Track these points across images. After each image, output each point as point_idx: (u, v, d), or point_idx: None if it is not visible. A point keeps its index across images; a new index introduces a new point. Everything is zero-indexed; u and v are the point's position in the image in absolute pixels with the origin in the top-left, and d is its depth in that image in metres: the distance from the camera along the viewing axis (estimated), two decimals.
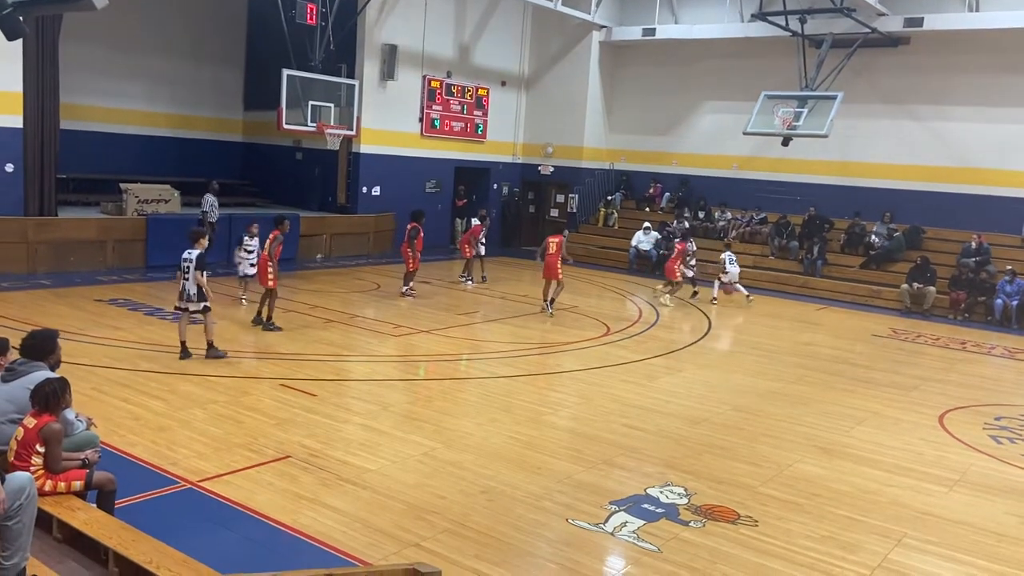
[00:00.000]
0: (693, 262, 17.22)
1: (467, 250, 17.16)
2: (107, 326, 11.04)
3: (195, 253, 9.65)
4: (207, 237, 10.33)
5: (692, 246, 17.11)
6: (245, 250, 13.36)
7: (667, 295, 16.28)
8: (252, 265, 13.06)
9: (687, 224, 21.87)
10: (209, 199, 16.69)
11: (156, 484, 6.23)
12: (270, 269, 11.64)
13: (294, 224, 18.71)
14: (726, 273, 16.91)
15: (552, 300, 14.28)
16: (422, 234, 14.99)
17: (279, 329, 11.54)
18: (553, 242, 14.13)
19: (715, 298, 16.92)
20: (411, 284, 15.13)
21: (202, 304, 9.70)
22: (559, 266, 14.08)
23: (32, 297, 12.69)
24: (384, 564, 5.10)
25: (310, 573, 3.70)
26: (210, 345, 9.90)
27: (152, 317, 11.95)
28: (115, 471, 5.29)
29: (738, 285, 17.06)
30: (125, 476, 5.59)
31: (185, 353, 9.74)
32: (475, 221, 17.90)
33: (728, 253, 17.59)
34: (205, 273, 9.70)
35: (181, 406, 8.11)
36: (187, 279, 9.64)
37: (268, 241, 11.84)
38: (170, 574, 4.02)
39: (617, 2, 23.36)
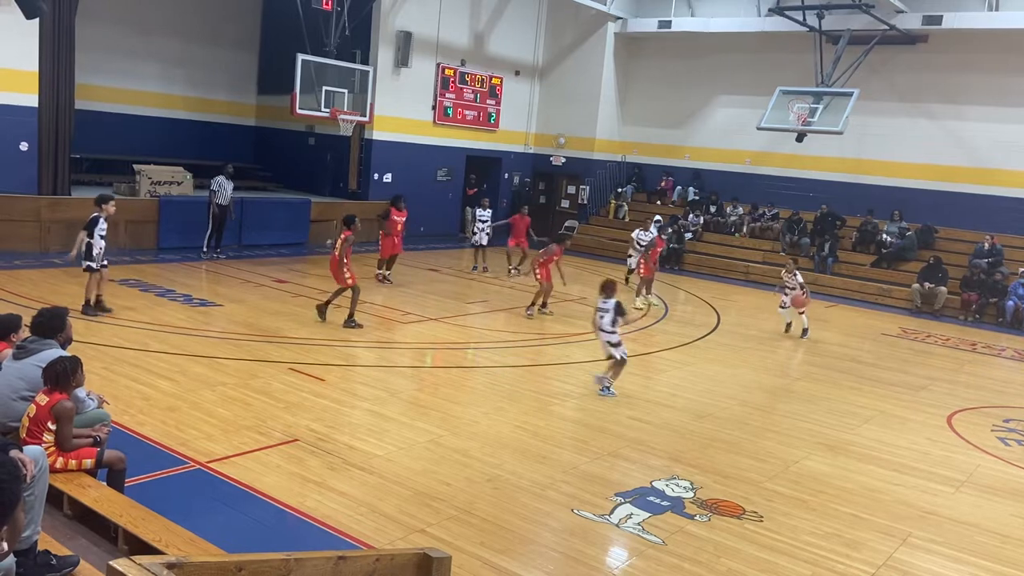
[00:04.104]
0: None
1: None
2: (118, 306, 11.07)
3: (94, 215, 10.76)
4: (110, 203, 11.11)
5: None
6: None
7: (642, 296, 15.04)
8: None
9: (701, 219, 21.80)
10: (218, 180, 16.14)
11: (166, 464, 6.28)
12: (345, 270, 11.32)
13: (305, 209, 18.76)
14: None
15: (535, 303, 13.39)
16: (393, 217, 14.92)
17: (359, 326, 11.29)
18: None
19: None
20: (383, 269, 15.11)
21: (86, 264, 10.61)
22: (537, 270, 13.33)
23: (44, 275, 12.75)
24: (393, 548, 5.12)
25: (323, 554, 3.72)
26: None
27: (163, 298, 12.00)
28: (125, 450, 5.34)
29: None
30: (135, 455, 5.65)
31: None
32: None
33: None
34: (88, 234, 10.65)
35: (191, 387, 8.15)
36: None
37: (339, 240, 11.49)
38: (179, 552, 4.04)
39: None
